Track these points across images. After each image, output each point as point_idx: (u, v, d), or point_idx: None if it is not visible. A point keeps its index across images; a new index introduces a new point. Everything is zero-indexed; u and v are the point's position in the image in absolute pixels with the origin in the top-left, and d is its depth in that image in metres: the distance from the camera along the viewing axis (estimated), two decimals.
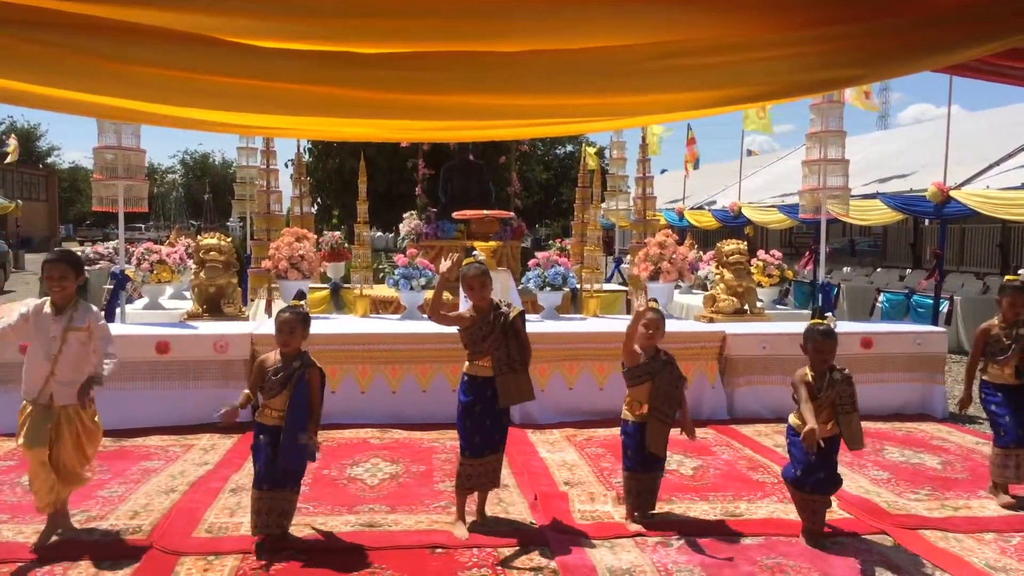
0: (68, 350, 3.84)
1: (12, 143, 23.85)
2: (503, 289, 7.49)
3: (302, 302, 4.06)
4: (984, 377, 4.83)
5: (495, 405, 4.14)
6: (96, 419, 4.03)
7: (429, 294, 8.19)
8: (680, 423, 4.30)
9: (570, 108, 4.65)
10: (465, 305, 4.37)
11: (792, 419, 4.16)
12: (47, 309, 3.88)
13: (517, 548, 3.94)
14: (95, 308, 4.03)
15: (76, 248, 19.12)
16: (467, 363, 4.21)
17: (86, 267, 15.25)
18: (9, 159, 24.01)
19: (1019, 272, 5.34)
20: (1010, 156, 12.45)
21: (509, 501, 4.61)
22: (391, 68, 3.66)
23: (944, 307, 11.07)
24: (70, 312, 3.87)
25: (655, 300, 4.63)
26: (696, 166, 19.84)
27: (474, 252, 4.34)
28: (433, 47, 3.66)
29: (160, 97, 4.06)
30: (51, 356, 3.81)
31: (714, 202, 19.96)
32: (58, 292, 3.86)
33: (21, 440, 3.84)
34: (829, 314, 6.05)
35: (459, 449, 4.22)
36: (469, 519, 4.24)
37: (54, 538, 3.96)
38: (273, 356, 3.93)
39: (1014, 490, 4.72)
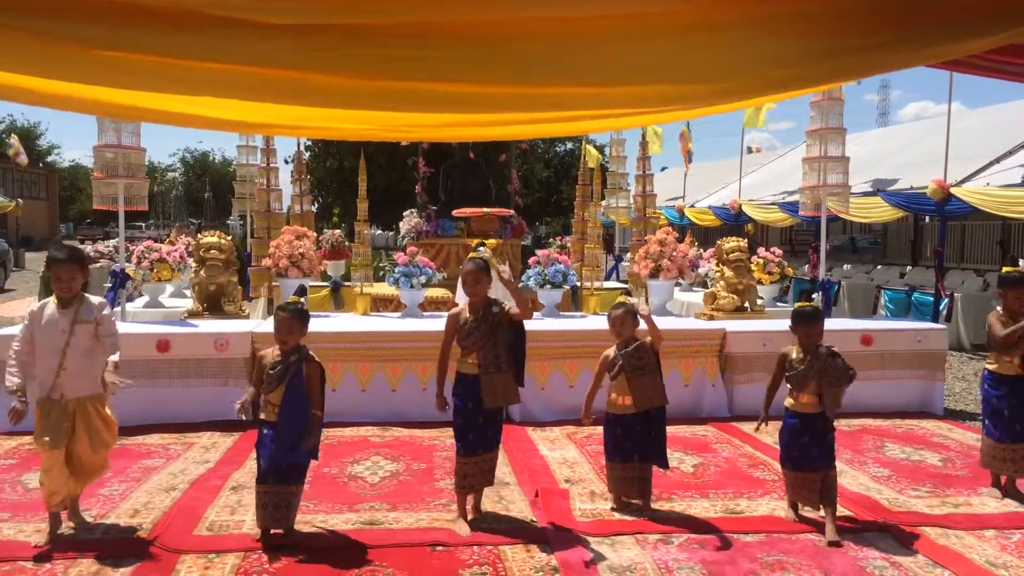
0: (77, 342, 3.89)
1: (15, 145, 23.87)
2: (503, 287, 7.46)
3: (302, 298, 4.07)
4: (989, 367, 4.78)
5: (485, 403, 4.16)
6: (109, 411, 4.08)
7: (429, 292, 8.21)
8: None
9: (569, 97, 4.61)
10: (463, 300, 4.41)
11: (787, 401, 4.32)
12: (49, 308, 3.93)
13: (518, 546, 3.94)
14: (99, 299, 4.08)
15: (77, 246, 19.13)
16: (459, 360, 4.24)
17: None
18: (20, 158, 24.08)
19: (1020, 263, 5.23)
20: (1011, 153, 12.42)
21: (510, 499, 4.61)
22: (397, 48, 3.63)
23: (944, 304, 11.06)
24: (76, 305, 3.93)
25: (627, 294, 4.72)
26: (690, 159, 19.81)
27: (480, 247, 4.35)
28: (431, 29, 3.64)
29: (156, 86, 4.04)
30: (59, 350, 3.85)
31: (706, 200, 19.92)
32: (66, 291, 3.92)
33: (44, 439, 3.84)
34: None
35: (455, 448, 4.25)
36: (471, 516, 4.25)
37: (63, 530, 4.00)
38: (272, 352, 3.96)
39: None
